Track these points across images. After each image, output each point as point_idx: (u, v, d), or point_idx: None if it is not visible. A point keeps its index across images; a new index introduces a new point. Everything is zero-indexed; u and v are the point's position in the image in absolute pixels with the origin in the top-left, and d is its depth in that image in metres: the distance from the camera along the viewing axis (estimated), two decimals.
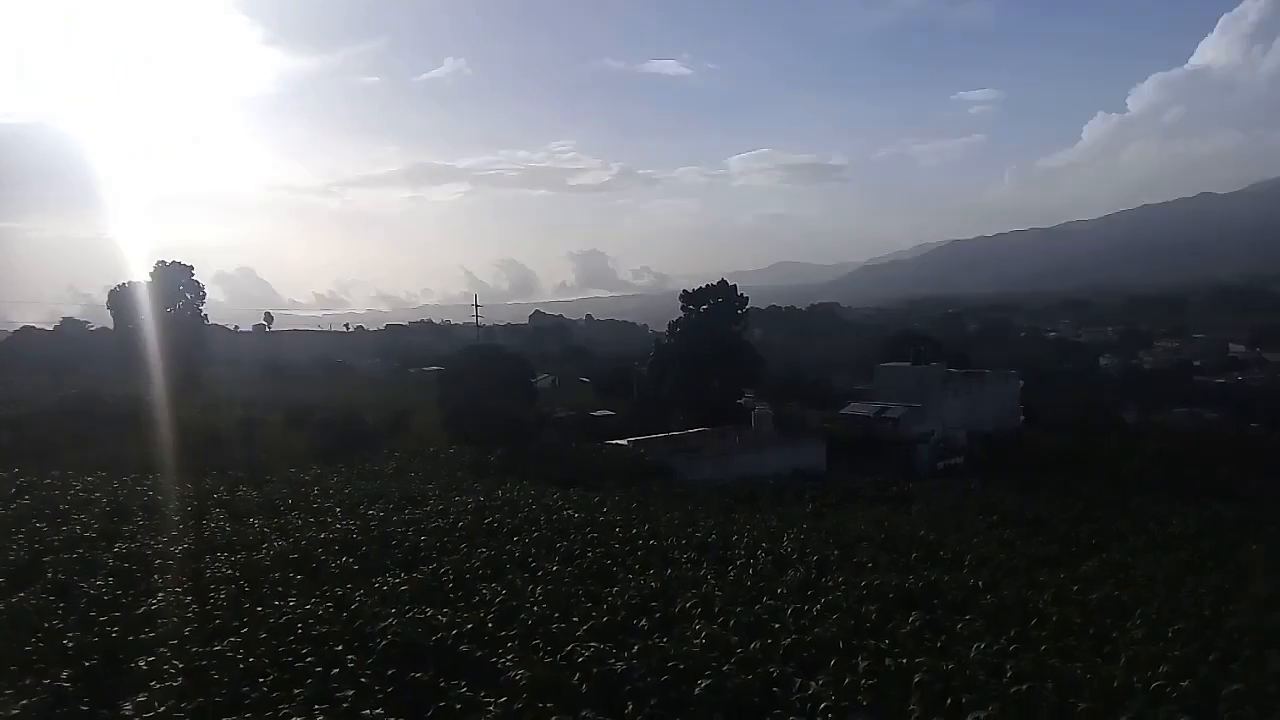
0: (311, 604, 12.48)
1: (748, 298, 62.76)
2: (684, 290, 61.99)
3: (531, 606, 12.47)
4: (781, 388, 69.55)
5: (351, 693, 9.09)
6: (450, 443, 39.91)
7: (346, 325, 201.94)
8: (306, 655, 10.13)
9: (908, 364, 60.14)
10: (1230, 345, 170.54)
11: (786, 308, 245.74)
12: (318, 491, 24.13)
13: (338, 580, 14.25)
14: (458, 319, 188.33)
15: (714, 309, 60.07)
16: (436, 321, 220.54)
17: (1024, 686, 9.23)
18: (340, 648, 10.47)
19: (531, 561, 15.98)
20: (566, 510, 21.67)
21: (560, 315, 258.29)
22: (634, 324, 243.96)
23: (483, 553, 16.36)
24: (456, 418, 44.78)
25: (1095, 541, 20.89)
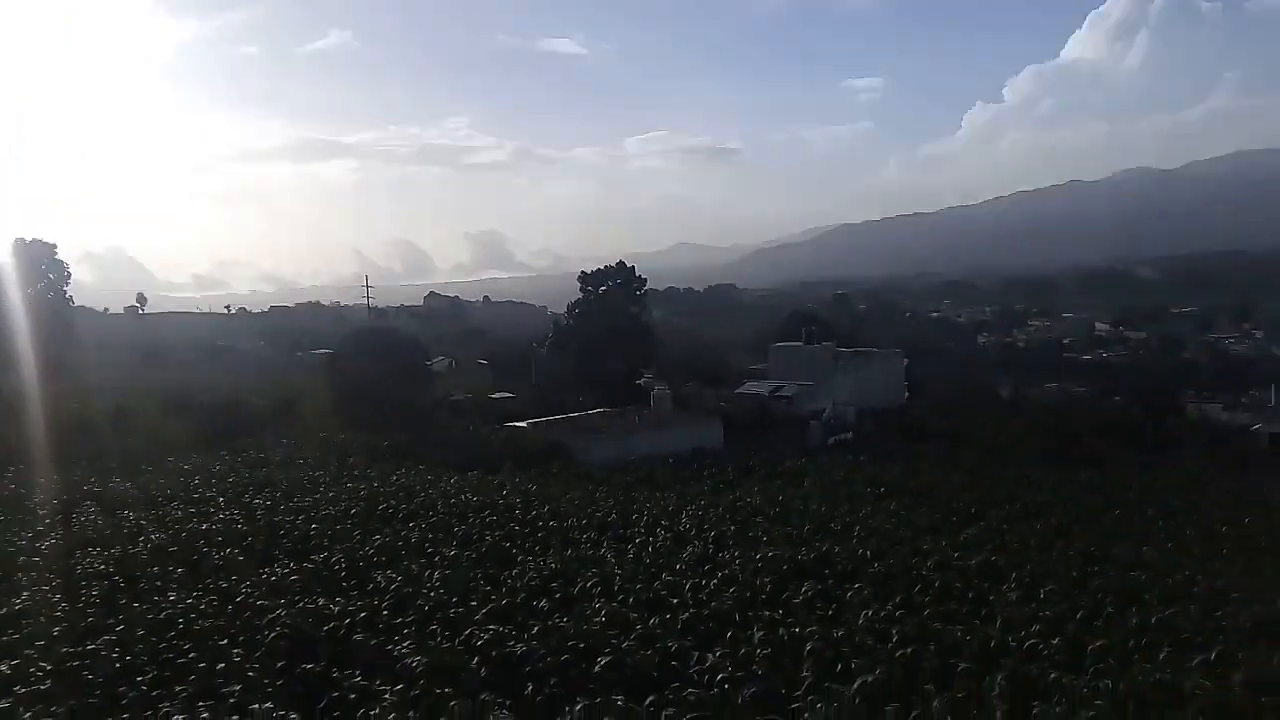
0: (194, 598, 11.94)
1: (646, 279, 63.02)
2: (583, 271, 61.76)
3: (428, 592, 12.27)
4: (680, 368, 70.39)
5: (239, 687, 8.77)
6: (342, 428, 38.70)
7: (228, 307, 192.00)
8: (189, 651, 9.69)
9: (800, 344, 61.73)
10: (1096, 324, 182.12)
11: (685, 289, 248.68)
12: (199, 481, 23.02)
13: (222, 573, 13.67)
14: (348, 301, 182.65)
15: (613, 290, 60.10)
16: (325, 303, 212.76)
17: (908, 649, 9.66)
18: (226, 642, 10.07)
19: (428, 547, 15.71)
20: (464, 494, 21.39)
21: (456, 297, 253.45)
22: (533, 305, 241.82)
23: (377, 540, 15.98)
24: (348, 402, 43.44)
25: (974, 510, 21.99)
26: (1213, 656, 9.72)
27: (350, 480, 23.66)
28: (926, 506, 22.68)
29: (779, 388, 56.47)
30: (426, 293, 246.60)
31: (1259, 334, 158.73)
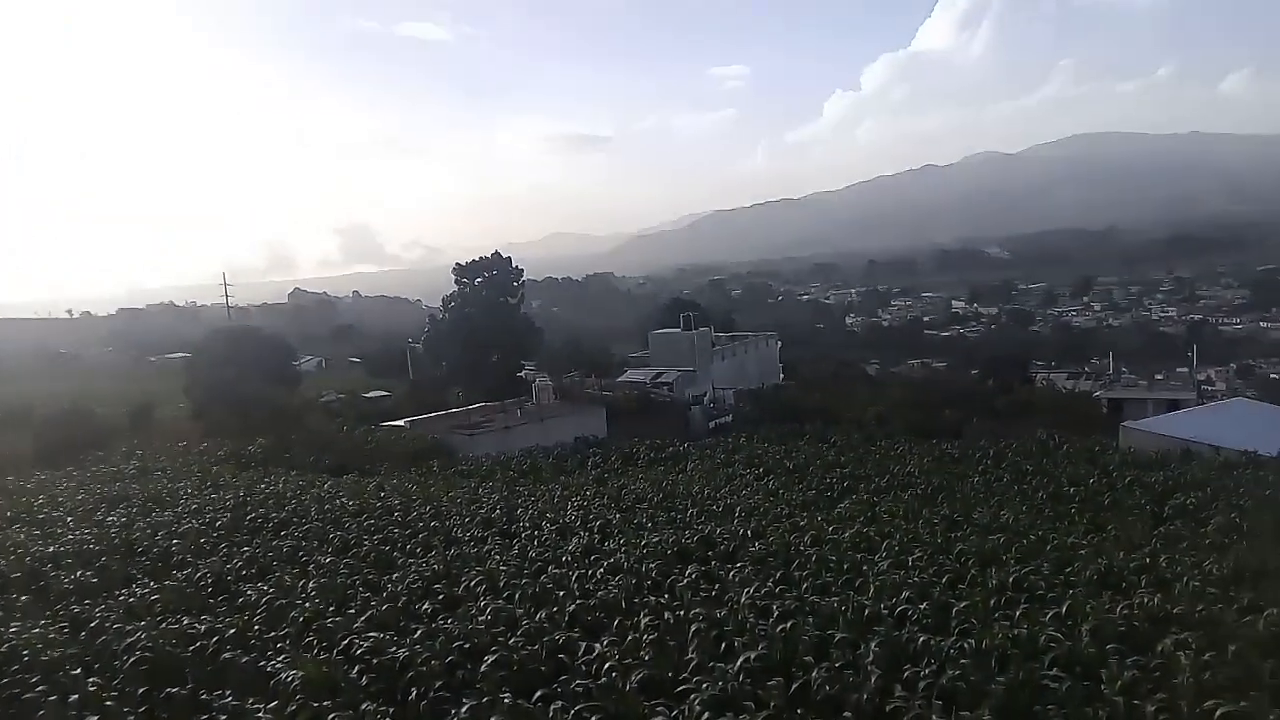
0: (41, 627, 11.03)
1: (523, 269, 62.43)
2: (457, 263, 60.57)
3: (303, 603, 11.78)
4: (561, 358, 70.26)
5: (95, 718, 8.20)
6: (203, 436, 36.64)
7: (69, 311, 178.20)
8: (36, 684, 8.96)
9: (679, 330, 62.65)
10: (953, 302, 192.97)
11: (563, 278, 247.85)
12: (43, 500, 21.28)
13: (73, 597, 12.70)
14: (205, 300, 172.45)
15: (490, 281, 59.23)
16: (180, 304, 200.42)
17: (788, 624, 9.98)
18: (79, 671, 9.36)
19: (302, 556, 15.08)
20: (339, 498, 20.62)
21: (324, 293, 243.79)
22: (406, 300, 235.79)
23: (245, 552, 15.21)
24: (209, 408, 41.16)
25: (846, 485, 22.91)
26: (1063, 610, 10.47)
27: (214, 490, 22.41)
28: (802, 484, 23.47)
29: (660, 374, 57.21)
30: (291, 289, 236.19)
31: (1097, 307, 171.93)
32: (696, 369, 57.15)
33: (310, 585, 12.72)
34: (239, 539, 16.38)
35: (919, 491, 21.72)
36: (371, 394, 56.49)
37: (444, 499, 20.91)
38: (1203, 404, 44.21)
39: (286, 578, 13.36)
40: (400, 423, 40.45)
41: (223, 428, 37.12)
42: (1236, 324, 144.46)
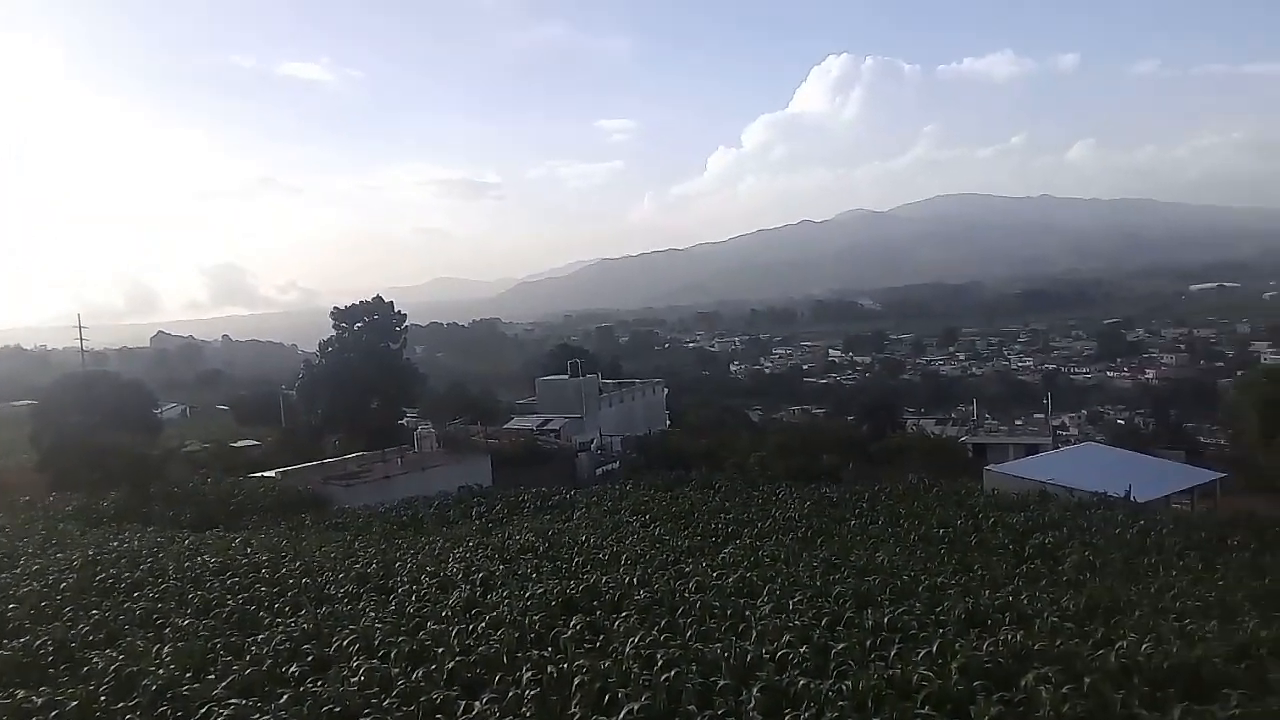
0: None
1: (406, 314, 61.15)
2: (336, 307, 58.78)
3: (157, 669, 10.91)
4: (445, 405, 68.78)
5: None
6: (50, 489, 33.88)
7: None
8: None
9: (566, 377, 62.54)
10: (830, 351, 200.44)
11: (448, 324, 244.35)
12: None
13: None
14: (57, 343, 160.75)
15: (370, 326, 57.68)
16: (28, 347, 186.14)
17: (672, 673, 9.92)
18: None
19: (157, 618, 14.01)
20: (201, 555, 19.36)
21: (190, 336, 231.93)
22: (281, 344, 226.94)
23: (93, 615, 14.02)
24: (57, 459, 38.13)
25: (730, 530, 23.17)
26: (934, 649, 10.82)
27: (60, 549, 20.65)
28: (688, 530, 23.58)
29: (547, 421, 56.85)
30: (154, 332, 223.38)
31: (962, 356, 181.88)
32: (584, 416, 57.10)
33: (165, 650, 11.82)
34: (86, 601, 15.10)
35: (800, 535, 22.17)
36: (240, 443, 53.79)
37: (316, 554, 19.94)
38: (1058, 448, 47.15)
39: (139, 643, 12.37)
40: (270, 473, 38.61)
41: (72, 480, 34.42)
42: (1086, 373, 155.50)
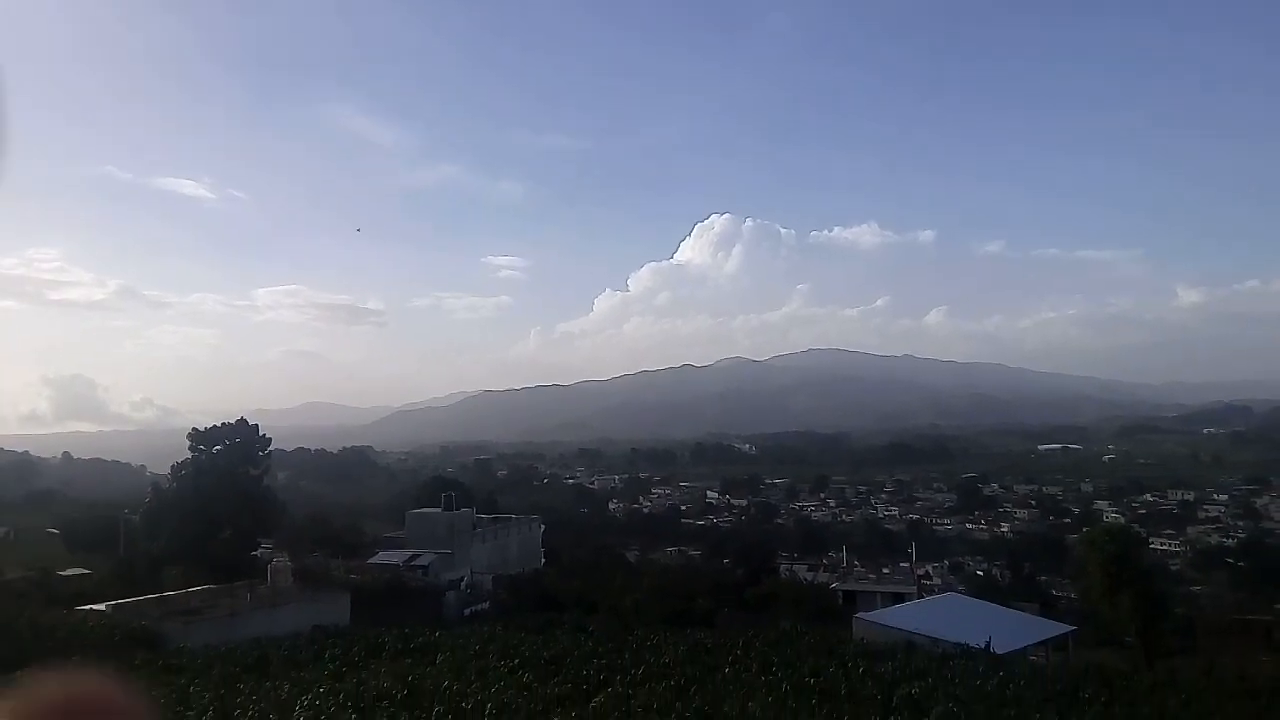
0: None
1: (271, 438, 58.30)
2: (194, 428, 55.55)
3: None
4: (306, 536, 64.90)
5: None
6: None
7: None
8: None
9: (439, 510, 60.51)
10: (708, 492, 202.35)
11: (316, 450, 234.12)
12: None
13: None
14: None
15: (230, 449, 54.55)
16: None
17: None
18: None
19: None
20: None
21: (26, 451, 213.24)
22: (129, 464, 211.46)
23: None
24: None
25: (603, 677, 22.37)
26: None
27: None
28: (559, 676, 22.63)
29: (415, 556, 54.40)
30: None
31: (832, 503, 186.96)
32: (455, 552, 55.04)
33: None
34: None
35: (673, 682, 21.63)
36: (69, 572, 48.94)
37: (145, 700, 18.00)
38: (922, 597, 48.41)
39: None
40: (101, 606, 35.07)
41: None
42: (947, 524, 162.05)
